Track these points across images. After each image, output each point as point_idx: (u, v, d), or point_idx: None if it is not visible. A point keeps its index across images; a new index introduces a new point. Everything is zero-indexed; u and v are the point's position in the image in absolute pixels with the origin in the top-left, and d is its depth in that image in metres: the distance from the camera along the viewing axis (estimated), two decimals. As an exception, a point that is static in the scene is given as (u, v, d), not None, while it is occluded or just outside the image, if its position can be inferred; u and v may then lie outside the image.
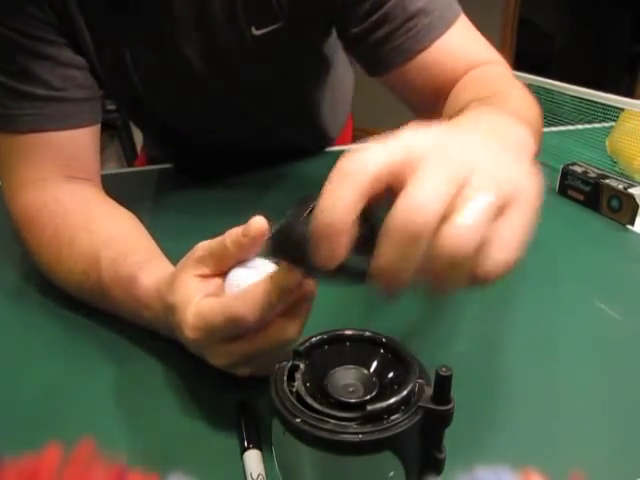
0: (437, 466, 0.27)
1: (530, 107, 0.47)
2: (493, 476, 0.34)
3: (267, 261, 0.37)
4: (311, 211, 0.27)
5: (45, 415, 0.40)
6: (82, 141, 0.58)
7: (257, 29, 0.60)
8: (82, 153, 0.59)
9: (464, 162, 0.25)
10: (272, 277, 0.32)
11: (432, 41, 0.56)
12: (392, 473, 0.26)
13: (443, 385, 0.25)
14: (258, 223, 0.35)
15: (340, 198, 0.25)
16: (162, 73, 0.64)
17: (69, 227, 0.51)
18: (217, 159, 0.85)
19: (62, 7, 0.54)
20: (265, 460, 0.35)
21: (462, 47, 0.58)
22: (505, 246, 0.25)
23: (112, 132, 2.29)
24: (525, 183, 0.27)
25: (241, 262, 0.37)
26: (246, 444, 0.35)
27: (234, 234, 0.36)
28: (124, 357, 0.46)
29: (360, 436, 0.24)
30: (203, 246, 0.38)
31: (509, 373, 0.43)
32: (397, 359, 0.28)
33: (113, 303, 0.46)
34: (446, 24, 0.56)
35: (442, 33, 0.56)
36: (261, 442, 0.36)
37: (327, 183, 0.25)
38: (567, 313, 0.51)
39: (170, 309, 0.37)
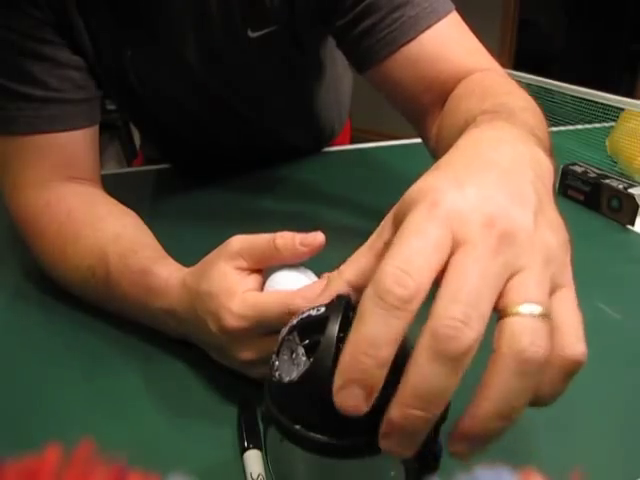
0: (434, 462, 0.27)
1: (539, 121, 0.43)
2: (493, 476, 0.34)
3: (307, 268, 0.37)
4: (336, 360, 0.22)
5: (45, 415, 0.40)
6: (81, 142, 0.58)
7: (253, 31, 0.60)
8: (82, 154, 0.59)
9: (510, 238, 0.23)
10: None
11: (418, 33, 0.53)
12: (393, 473, 0.25)
13: None
14: (321, 238, 0.36)
15: (378, 332, 0.21)
16: (160, 74, 0.64)
17: (74, 225, 0.51)
18: (215, 159, 0.85)
19: (60, 7, 0.54)
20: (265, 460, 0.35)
21: (450, 45, 0.54)
22: (576, 334, 0.24)
23: (112, 132, 2.29)
24: (563, 248, 0.25)
25: (284, 264, 0.37)
26: (246, 444, 0.35)
27: (289, 240, 0.36)
28: (124, 357, 0.46)
29: (364, 439, 0.23)
30: (241, 240, 0.38)
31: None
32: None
33: (119, 297, 0.46)
34: (434, 17, 0.53)
35: (429, 26, 0.53)
36: (261, 442, 0.36)
37: (362, 309, 0.21)
38: (567, 313, 0.51)
39: (205, 296, 0.37)
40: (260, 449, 0.35)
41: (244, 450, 0.35)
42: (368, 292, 0.21)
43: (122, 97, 0.70)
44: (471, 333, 0.20)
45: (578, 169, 0.74)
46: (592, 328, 0.49)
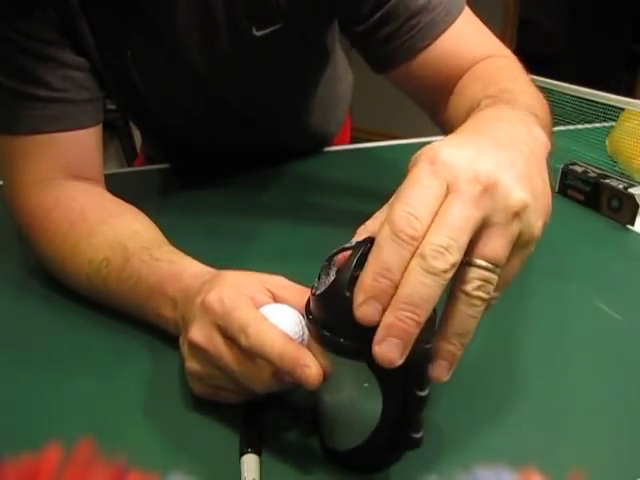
0: (418, 402, 0.30)
1: (539, 103, 0.47)
2: (493, 476, 0.34)
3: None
4: (352, 279, 0.28)
5: (45, 415, 0.40)
6: (85, 142, 0.58)
7: (257, 30, 0.60)
8: (85, 154, 0.59)
9: (489, 194, 0.28)
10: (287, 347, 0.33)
11: (435, 38, 0.56)
12: (367, 384, 0.30)
13: (424, 326, 0.27)
14: None
15: (393, 260, 0.27)
16: (163, 73, 0.64)
17: (88, 222, 0.51)
18: (215, 159, 0.85)
19: (64, 7, 0.54)
20: (262, 465, 0.34)
21: (465, 42, 0.58)
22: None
23: (112, 132, 2.29)
24: (540, 212, 0.30)
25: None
26: (244, 448, 0.35)
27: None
28: (125, 357, 0.46)
29: (341, 340, 0.29)
30: (283, 279, 0.40)
31: (508, 373, 0.43)
32: None
33: (129, 287, 0.46)
34: (449, 19, 0.56)
35: (445, 29, 0.56)
36: (261, 445, 0.36)
37: (380, 241, 0.27)
38: (567, 313, 0.51)
39: (211, 282, 0.39)
40: (258, 454, 0.35)
41: (242, 454, 0.35)
42: (385, 229, 0.27)
43: (124, 97, 0.70)
44: (451, 258, 0.26)
45: (578, 169, 0.74)
46: (592, 328, 0.49)
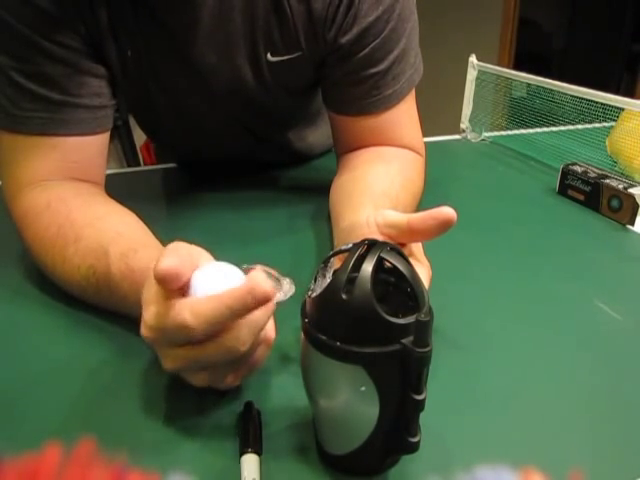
0: (415, 406, 0.30)
1: (409, 197, 0.58)
2: (493, 476, 0.34)
3: (236, 268, 0.37)
4: (348, 282, 0.29)
5: (45, 415, 0.40)
6: (90, 148, 0.59)
7: (272, 56, 0.61)
8: (89, 159, 0.59)
9: None
10: (231, 296, 0.32)
11: (382, 111, 0.63)
12: (363, 388, 0.30)
13: (421, 330, 0.28)
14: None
15: None
16: (180, 86, 0.64)
17: (74, 225, 0.51)
18: (220, 166, 0.85)
19: (93, 24, 0.55)
20: (262, 465, 0.34)
21: (400, 124, 0.65)
22: None
23: (112, 132, 2.28)
24: None
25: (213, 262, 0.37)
26: (244, 448, 0.35)
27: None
28: (125, 356, 0.46)
29: (338, 343, 0.29)
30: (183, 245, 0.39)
31: (509, 373, 0.43)
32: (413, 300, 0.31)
33: (120, 297, 0.46)
34: (401, 97, 0.63)
35: (393, 105, 0.63)
36: (261, 445, 0.36)
37: None
38: (567, 313, 0.51)
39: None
40: (258, 453, 0.35)
41: (242, 453, 0.35)
42: None
43: (140, 108, 0.71)
44: None
45: (578, 169, 0.74)
46: (592, 328, 0.49)
